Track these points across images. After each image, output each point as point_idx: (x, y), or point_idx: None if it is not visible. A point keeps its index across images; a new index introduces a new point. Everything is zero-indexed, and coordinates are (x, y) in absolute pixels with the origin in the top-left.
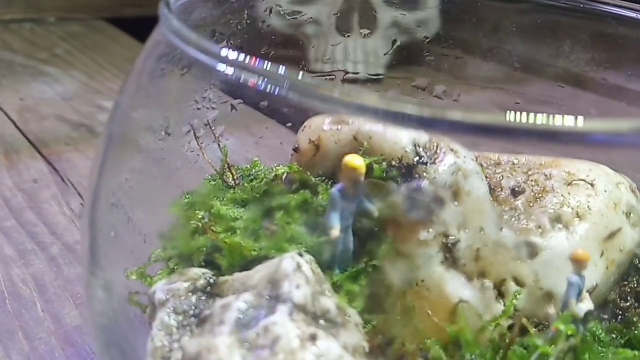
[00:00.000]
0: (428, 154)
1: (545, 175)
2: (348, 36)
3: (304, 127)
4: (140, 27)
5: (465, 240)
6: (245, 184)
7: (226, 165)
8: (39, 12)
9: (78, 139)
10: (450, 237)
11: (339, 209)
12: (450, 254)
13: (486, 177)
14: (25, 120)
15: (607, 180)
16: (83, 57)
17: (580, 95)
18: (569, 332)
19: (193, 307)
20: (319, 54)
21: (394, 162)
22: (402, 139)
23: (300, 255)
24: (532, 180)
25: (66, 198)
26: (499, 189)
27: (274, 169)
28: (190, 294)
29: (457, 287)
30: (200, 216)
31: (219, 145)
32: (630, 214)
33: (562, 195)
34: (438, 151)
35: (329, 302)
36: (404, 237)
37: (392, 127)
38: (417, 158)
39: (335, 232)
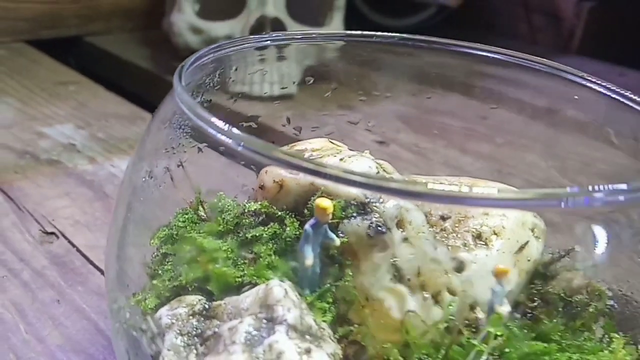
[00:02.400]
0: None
1: None
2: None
3: (266, 169)
4: (56, 47)
5: (409, 259)
6: (218, 217)
7: (199, 201)
8: None
9: (25, 166)
10: (397, 258)
11: (311, 241)
12: (397, 272)
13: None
14: None
15: None
16: (12, 82)
17: None
18: (498, 333)
19: (195, 329)
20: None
21: (350, 202)
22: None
23: (282, 281)
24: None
25: (25, 225)
26: (431, 215)
27: (243, 205)
28: (190, 317)
29: (404, 299)
30: (188, 249)
31: (191, 183)
32: (534, 229)
33: (481, 217)
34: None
35: (310, 319)
36: (360, 261)
37: (348, 165)
38: (368, 199)
39: (309, 261)
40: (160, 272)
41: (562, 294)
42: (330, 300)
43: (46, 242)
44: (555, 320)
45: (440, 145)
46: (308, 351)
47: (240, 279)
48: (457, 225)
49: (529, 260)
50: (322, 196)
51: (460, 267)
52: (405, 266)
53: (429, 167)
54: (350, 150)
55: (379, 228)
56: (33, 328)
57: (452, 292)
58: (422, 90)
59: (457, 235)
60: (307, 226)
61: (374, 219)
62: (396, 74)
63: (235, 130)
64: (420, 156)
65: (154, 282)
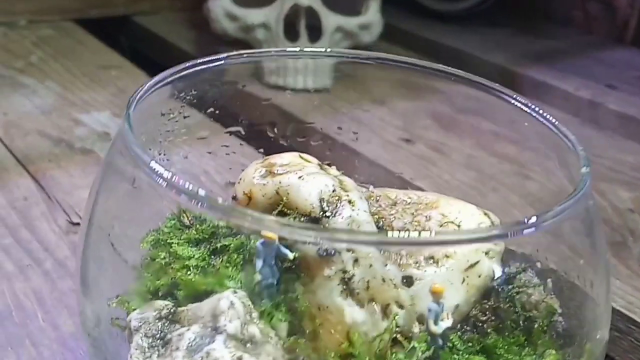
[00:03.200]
0: (331, 207)
1: (426, 217)
2: (296, 42)
3: (240, 179)
4: (105, 27)
5: (359, 274)
6: (197, 225)
7: (182, 209)
8: (10, 16)
9: (59, 155)
10: (347, 273)
11: (262, 257)
12: (347, 286)
13: (382, 219)
14: (11, 137)
15: (471, 220)
16: (56, 65)
17: None
18: (422, 349)
19: (159, 332)
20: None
21: (304, 217)
22: (311, 195)
23: (235, 292)
24: (415, 221)
25: (53, 215)
26: (390, 228)
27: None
28: (157, 321)
29: (352, 311)
30: (162, 256)
31: None
32: (488, 252)
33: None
34: (338, 205)
35: (255, 329)
36: (313, 273)
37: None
38: (322, 212)
39: (259, 275)
40: (145, 274)
41: (519, 309)
42: (284, 310)
43: (71, 233)
44: (507, 334)
45: (467, 145)
46: (239, 358)
47: (205, 287)
48: None
49: (479, 277)
50: (282, 210)
51: (409, 282)
52: (355, 280)
53: (448, 166)
54: (324, 165)
55: (330, 248)
56: (50, 316)
57: (400, 306)
58: (457, 89)
59: (410, 256)
60: (258, 243)
61: None
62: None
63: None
64: (442, 155)
65: (137, 285)
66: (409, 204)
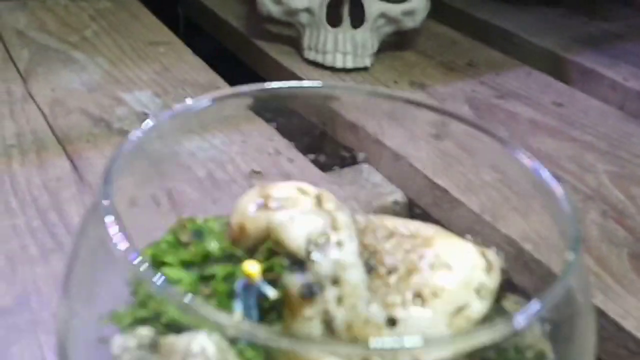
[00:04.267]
0: (317, 249)
1: (419, 256)
2: (339, 27)
3: (235, 207)
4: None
5: (341, 316)
6: (192, 245)
7: (181, 225)
8: None
9: (97, 135)
10: (329, 313)
11: (242, 298)
12: (329, 326)
13: (374, 255)
14: (55, 115)
15: (466, 262)
16: (108, 40)
17: None
18: None
19: None
20: (312, 42)
21: (289, 258)
22: (298, 236)
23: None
24: (408, 259)
25: (82, 198)
26: (381, 265)
27: (209, 246)
28: (137, 349)
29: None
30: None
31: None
32: (480, 290)
33: (425, 277)
34: (325, 246)
35: None
36: (294, 312)
37: (294, 222)
38: (307, 254)
39: (237, 316)
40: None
41: (512, 352)
42: (261, 350)
43: None
44: None
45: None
46: None
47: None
48: (402, 280)
49: (467, 321)
50: (274, 244)
51: (393, 323)
52: (337, 321)
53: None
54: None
55: (312, 289)
56: None
57: None
58: (509, 68)
59: (398, 292)
60: (237, 283)
61: (309, 277)
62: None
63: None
64: (467, 154)
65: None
66: (405, 236)
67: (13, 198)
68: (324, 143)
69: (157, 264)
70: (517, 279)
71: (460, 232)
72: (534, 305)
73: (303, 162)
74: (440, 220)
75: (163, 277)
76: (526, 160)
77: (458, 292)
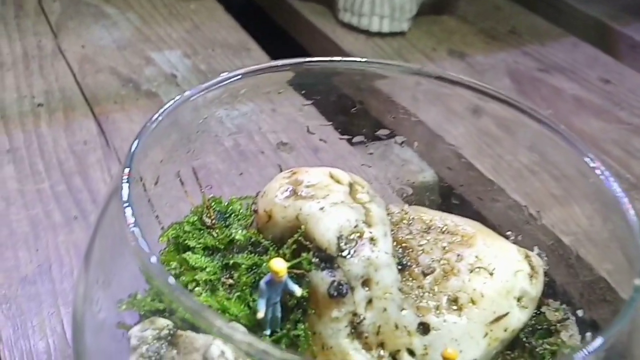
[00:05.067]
0: (349, 246)
1: (458, 256)
2: None
3: (263, 192)
4: None
5: (370, 318)
6: (218, 229)
7: (206, 206)
8: None
9: (125, 96)
10: (357, 315)
11: (266, 296)
12: (355, 329)
13: (408, 251)
14: (84, 73)
15: (508, 267)
16: None
17: None
18: None
19: (155, 354)
20: (348, 3)
21: (319, 253)
22: (329, 230)
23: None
24: (445, 260)
25: (108, 163)
26: (416, 264)
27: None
28: (155, 341)
29: (357, 356)
30: (173, 266)
31: (201, 191)
32: (522, 298)
33: (463, 280)
34: (358, 243)
35: None
36: (320, 312)
37: (326, 215)
38: (338, 251)
39: (260, 314)
40: None
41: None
42: (284, 346)
43: None
44: None
45: None
46: None
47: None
48: (437, 283)
49: (505, 330)
50: (303, 236)
51: (425, 330)
52: (365, 323)
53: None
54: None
55: (341, 288)
56: None
57: (412, 353)
58: (554, 37)
59: (432, 296)
60: (261, 283)
61: (338, 276)
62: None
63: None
64: (507, 133)
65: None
66: (443, 232)
67: (40, 160)
68: (357, 118)
69: (181, 247)
70: (557, 277)
71: (494, 218)
72: (596, 342)
73: (333, 135)
74: (473, 203)
75: (174, 281)
76: (592, 163)
77: (498, 299)
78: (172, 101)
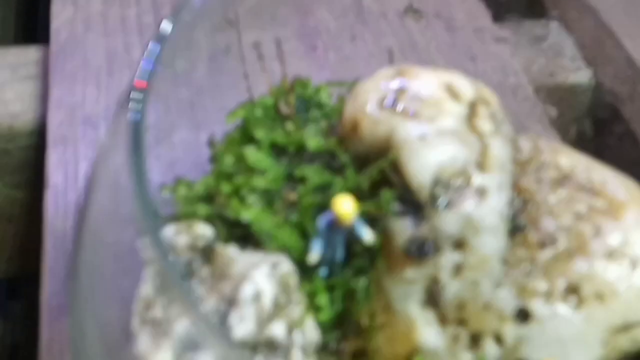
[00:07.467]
0: (447, 194)
1: (596, 229)
2: None
3: (354, 94)
4: None
5: (454, 289)
6: (294, 122)
7: (286, 90)
8: None
9: None
10: (438, 282)
11: (324, 237)
12: (432, 297)
13: (528, 208)
14: None
15: None
16: None
17: None
18: None
19: (183, 267)
20: None
21: (405, 194)
22: (425, 168)
23: (276, 266)
24: (576, 230)
25: None
26: (535, 228)
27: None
28: (187, 251)
29: (427, 329)
30: (230, 163)
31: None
32: None
33: (594, 265)
34: (459, 191)
35: (278, 328)
36: (392, 268)
37: (426, 147)
38: (431, 198)
39: (314, 257)
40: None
41: None
42: (337, 296)
43: None
44: None
45: None
46: None
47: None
48: (559, 260)
49: (632, 341)
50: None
51: (524, 317)
52: (445, 293)
53: None
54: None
55: (423, 246)
56: None
57: (499, 341)
58: None
59: (546, 277)
60: (321, 220)
61: (423, 230)
62: None
63: None
64: None
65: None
66: (583, 189)
67: None
68: None
69: (246, 138)
70: None
71: None
72: None
73: (475, 4)
74: (630, 120)
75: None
76: None
77: (636, 303)
78: None
